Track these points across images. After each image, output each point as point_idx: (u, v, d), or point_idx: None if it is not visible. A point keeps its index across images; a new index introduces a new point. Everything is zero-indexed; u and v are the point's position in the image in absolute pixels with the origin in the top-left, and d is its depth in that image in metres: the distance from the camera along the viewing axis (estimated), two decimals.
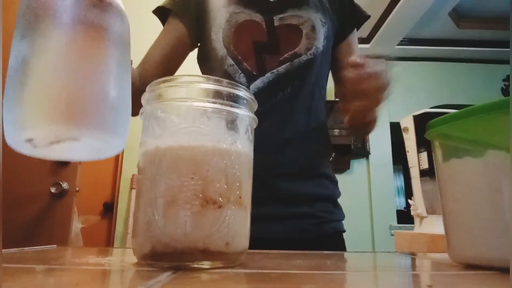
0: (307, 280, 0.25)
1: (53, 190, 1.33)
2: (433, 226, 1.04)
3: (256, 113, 0.36)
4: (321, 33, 0.74)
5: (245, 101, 0.34)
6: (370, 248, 3.08)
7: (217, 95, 0.32)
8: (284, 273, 0.28)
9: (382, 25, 3.12)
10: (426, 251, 0.96)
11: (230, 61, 0.70)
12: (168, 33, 0.77)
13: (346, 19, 0.81)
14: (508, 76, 3.66)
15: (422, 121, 1.10)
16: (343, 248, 0.71)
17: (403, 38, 3.39)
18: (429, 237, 1.00)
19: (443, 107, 1.06)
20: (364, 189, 3.28)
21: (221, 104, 0.32)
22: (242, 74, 0.70)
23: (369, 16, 0.83)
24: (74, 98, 0.28)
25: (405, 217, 2.73)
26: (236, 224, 0.31)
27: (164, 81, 0.32)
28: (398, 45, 3.47)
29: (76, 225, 1.47)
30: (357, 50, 0.83)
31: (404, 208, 4.63)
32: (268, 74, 0.70)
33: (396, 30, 3.18)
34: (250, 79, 0.70)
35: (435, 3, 2.78)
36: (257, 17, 0.72)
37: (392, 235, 2.60)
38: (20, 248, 0.42)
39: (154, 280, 0.24)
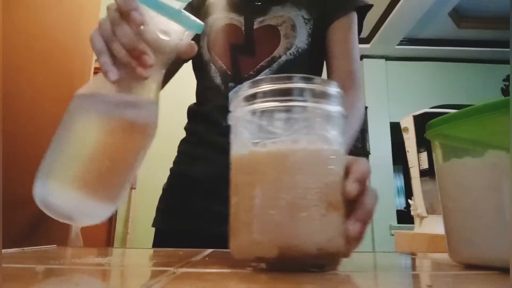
0: (307, 280, 0.25)
1: None
2: (433, 226, 1.04)
3: None
4: (303, 30, 0.72)
5: (338, 99, 0.32)
6: (370, 248, 3.08)
7: (324, 95, 0.31)
8: (283, 273, 0.28)
9: (382, 25, 3.13)
10: (426, 251, 0.96)
11: (210, 63, 0.74)
12: None
13: (331, 4, 0.75)
14: (508, 76, 3.66)
15: (422, 121, 1.10)
16: None
17: (403, 38, 3.39)
18: (429, 237, 1.00)
19: (443, 107, 1.06)
20: None
21: (328, 104, 0.31)
22: (218, 74, 0.72)
23: (359, 6, 0.75)
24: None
25: (405, 217, 2.73)
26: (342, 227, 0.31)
27: (279, 79, 0.31)
28: (398, 45, 3.47)
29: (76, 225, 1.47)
30: (353, 29, 0.74)
31: (404, 208, 4.63)
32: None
33: (396, 30, 3.18)
34: (225, 79, 0.71)
35: (435, 3, 2.78)
36: (239, 21, 0.73)
37: (392, 235, 2.60)
38: (20, 248, 0.42)
39: (154, 280, 0.24)
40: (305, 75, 0.31)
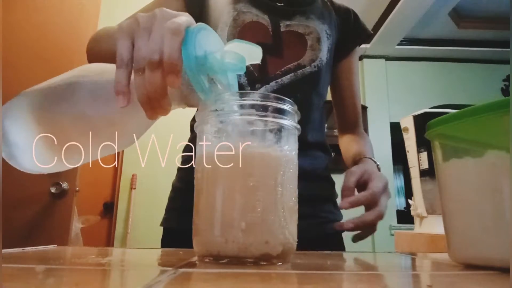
0: (307, 280, 0.25)
1: (53, 190, 1.33)
2: (433, 226, 1.04)
3: None
4: (325, 45, 0.74)
5: (291, 114, 0.37)
6: (370, 248, 3.07)
7: (280, 111, 0.36)
8: (284, 273, 0.28)
9: (382, 25, 3.12)
10: (426, 251, 0.96)
11: None
12: None
13: (350, 36, 0.81)
14: (508, 76, 3.66)
15: (422, 121, 1.10)
16: (343, 248, 0.72)
17: (403, 38, 3.39)
18: (429, 237, 1.00)
19: (443, 107, 1.06)
20: None
21: (281, 119, 0.36)
22: (243, 74, 0.70)
23: (371, 34, 0.85)
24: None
25: (405, 217, 2.73)
26: (292, 227, 0.35)
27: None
28: (398, 45, 3.47)
29: (76, 225, 1.48)
30: (357, 70, 0.85)
31: (404, 208, 4.62)
32: (273, 83, 0.69)
33: (396, 30, 3.18)
34: (252, 81, 0.70)
35: (435, 3, 2.78)
36: (264, 19, 0.73)
37: (392, 235, 2.59)
38: (20, 248, 0.42)
39: (154, 280, 0.24)
40: (265, 93, 0.35)
